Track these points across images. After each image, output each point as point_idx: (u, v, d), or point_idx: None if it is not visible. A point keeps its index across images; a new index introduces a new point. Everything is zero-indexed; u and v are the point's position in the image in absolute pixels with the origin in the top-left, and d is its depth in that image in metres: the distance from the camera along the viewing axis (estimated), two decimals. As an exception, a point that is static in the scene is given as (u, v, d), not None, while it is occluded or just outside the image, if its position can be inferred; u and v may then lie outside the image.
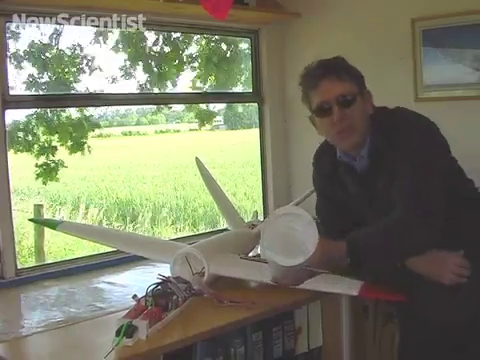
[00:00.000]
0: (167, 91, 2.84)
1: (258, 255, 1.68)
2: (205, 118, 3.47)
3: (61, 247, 3.85)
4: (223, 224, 2.66)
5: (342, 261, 1.20)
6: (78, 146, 3.10)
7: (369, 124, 1.36)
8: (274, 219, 1.04)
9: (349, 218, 1.45)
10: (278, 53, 2.71)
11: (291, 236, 1.03)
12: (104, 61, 2.87)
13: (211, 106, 3.44)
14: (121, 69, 2.87)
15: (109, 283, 1.93)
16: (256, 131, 2.82)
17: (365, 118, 1.36)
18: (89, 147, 3.15)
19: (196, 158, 2.25)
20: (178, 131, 6.38)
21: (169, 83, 2.80)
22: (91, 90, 2.70)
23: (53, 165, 3.04)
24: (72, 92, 2.90)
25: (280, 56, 2.70)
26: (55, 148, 3.06)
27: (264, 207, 2.83)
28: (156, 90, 2.83)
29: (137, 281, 1.90)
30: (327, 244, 1.13)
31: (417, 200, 1.23)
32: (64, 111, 3.12)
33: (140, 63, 2.77)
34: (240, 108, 4.48)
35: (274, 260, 1.03)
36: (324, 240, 1.09)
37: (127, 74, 2.87)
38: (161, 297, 1.38)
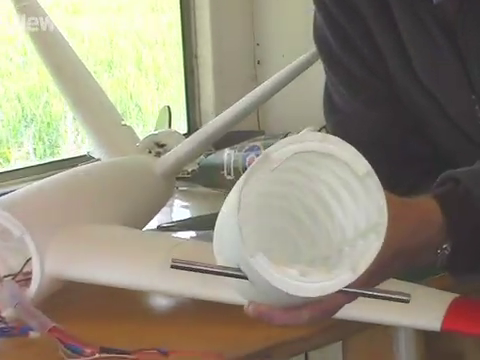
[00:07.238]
0: None
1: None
2: None
3: None
4: (82, 145, 2.62)
5: (430, 251, 1.07)
6: None
7: None
8: (267, 168, 0.91)
9: (415, 135, 1.39)
10: None
11: (315, 214, 0.95)
12: None
13: None
14: None
15: None
16: None
17: None
18: None
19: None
20: None
21: None
22: None
23: None
24: None
25: None
26: None
27: (188, 100, 2.77)
28: None
29: None
30: (403, 212, 0.98)
31: None
32: None
33: None
34: None
35: (277, 285, 0.89)
36: (396, 202, 0.96)
37: None
38: None
